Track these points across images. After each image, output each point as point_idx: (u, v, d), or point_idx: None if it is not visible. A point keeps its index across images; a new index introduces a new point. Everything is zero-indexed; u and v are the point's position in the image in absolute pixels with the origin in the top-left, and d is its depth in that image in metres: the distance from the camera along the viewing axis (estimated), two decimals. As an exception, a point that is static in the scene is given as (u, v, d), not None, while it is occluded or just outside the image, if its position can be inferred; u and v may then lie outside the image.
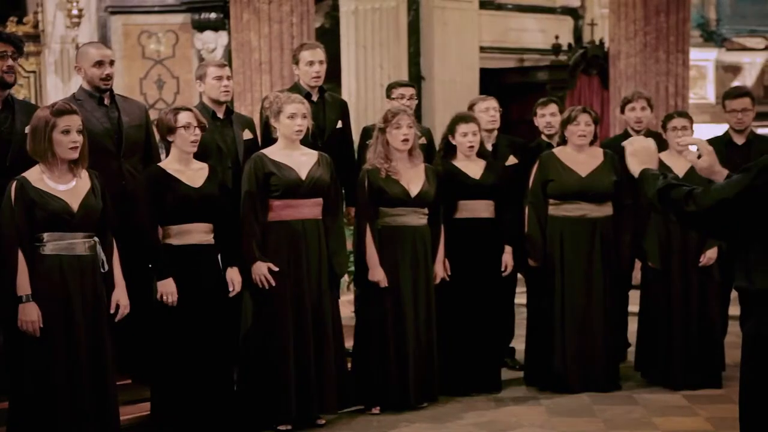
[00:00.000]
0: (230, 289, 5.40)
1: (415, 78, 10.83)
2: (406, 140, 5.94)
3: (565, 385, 6.32)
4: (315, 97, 6.32)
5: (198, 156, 5.43)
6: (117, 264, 4.90)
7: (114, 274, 4.87)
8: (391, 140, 5.95)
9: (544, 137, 7.01)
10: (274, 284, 5.48)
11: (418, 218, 6.02)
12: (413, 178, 6.00)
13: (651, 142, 3.47)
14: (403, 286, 5.93)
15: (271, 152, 5.64)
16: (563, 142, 6.48)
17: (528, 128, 7.63)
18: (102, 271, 4.78)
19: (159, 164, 5.42)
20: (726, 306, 6.60)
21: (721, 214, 2.95)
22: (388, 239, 5.95)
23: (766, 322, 2.92)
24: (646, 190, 3.22)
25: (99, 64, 5.58)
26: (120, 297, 4.86)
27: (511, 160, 6.81)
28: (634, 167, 3.36)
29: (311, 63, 6.29)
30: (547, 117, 6.96)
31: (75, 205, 4.67)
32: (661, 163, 6.44)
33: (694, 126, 6.67)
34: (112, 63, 5.66)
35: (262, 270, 5.48)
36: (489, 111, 6.78)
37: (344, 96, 10.11)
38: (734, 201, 2.89)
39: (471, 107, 6.83)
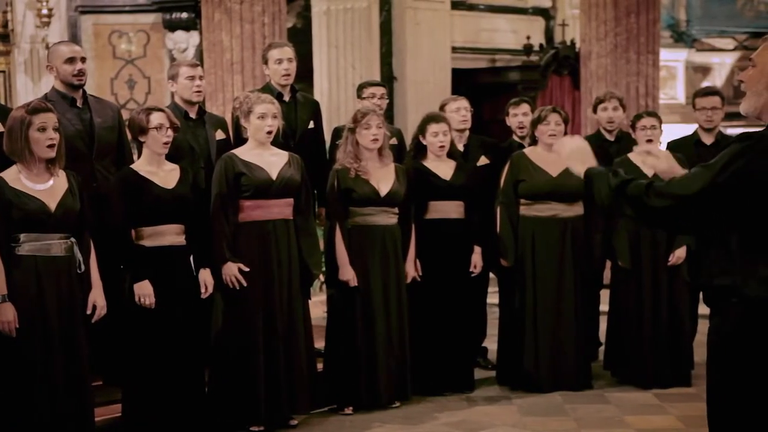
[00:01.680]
0: (202, 290, 5.39)
1: (387, 78, 10.84)
2: (375, 140, 5.95)
3: (536, 384, 6.35)
4: (287, 97, 6.31)
5: (170, 156, 5.41)
6: (94, 265, 4.89)
7: (91, 275, 4.85)
8: (361, 140, 5.96)
9: (516, 137, 7.04)
10: (245, 284, 5.48)
11: (388, 217, 6.02)
12: (383, 178, 6.00)
13: (580, 141, 3.37)
14: (373, 285, 5.94)
15: (242, 152, 5.63)
16: (534, 142, 6.51)
17: (500, 128, 7.66)
18: (79, 271, 4.76)
19: (131, 166, 5.39)
20: (695, 305, 6.66)
21: (682, 210, 2.93)
22: (358, 239, 5.96)
23: (727, 321, 2.94)
24: (597, 189, 3.14)
25: (71, 60, 5.56)
26: (97, 298, 4.85)
27: (483, 160, 6.83)
28: (576, 168, 3.27)
29: (280, 61, 6.28)
30: (519, 117, 6.98)
31: (52, 205, 4.65)
32: (629, 162, 6.50)
33: (664, 126, 6.73)
34: (83, 60, 5.64)
35: (232, 270, 5.47)
36: (460, 111, 6.80)
37: (316, 96, 10.09)
38: (696, 197, 2.88)
39: (442, 107, 6.85)
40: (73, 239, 4.74)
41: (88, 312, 4.82)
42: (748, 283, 2.85)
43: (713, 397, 3.00)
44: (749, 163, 2.82)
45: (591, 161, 3.26)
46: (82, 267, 4.78)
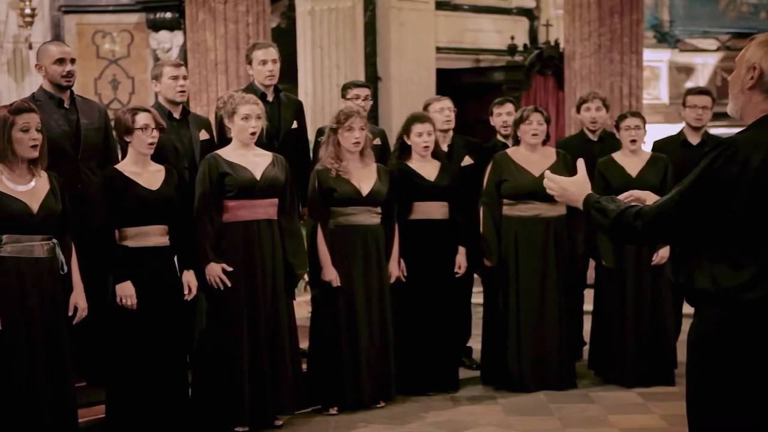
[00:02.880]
0: (186, 292, 5.37)
1: (372, 78, 10.84)
2: (357, 143, 5.94)
3: (520, 384, 6.37)
4: (270, 97, 6.31)
5: (155, 157, 5.39)
6: (75, 266, 4.87)
7: (72, 277, 4.83)
8: (343, 142, 5.95)
9: (500, 137, 7.05)
10: (229, 285, 5.47)
11: (370, 217, 6.02)
12: (364, 177, 6.00)
13: (566, 182, 3.30)
14: (355, 285, 5.93)
15: (226, 153, 5.62)
16: (516, 142, 6.53)
17: (484, 128, 7.68)
18: (61, 273, 4.75)
19: (115, 166, 5.38)
20: (679, 304, 6.67)
21: (664, 226, 2.97)
22: (341, 239, 5.95)
23: (707, 321, 2.96)
24: (597, 223, 3.15)
25: (60, 61, 5.55)
26: (78, 299, 4.83)
27: (467, 160, 6.84)
28: (574, 200, 3.25)
29: (264, 62, 6.27)
30: (503, 116, 6.99)
31: (35, 207, 4.63)
32: (614, 162, 6.53)
33: (648, 126, 6.75)
34: (73, 61, 5.63)
35: (216, 271, 5.46)
36: (444, 111, 6.80)
37: (301, 96, 10.08)
38: (675, 212, 2.93)
39: (426, 107, 6.85)
40: (55, 240, 4.73)
41: (70, 313, 4.80)
42: (727, 285, 2.88)
43: (693, 397, 3.02)
44: (719, 170, 2.86)
45: (585, 187, 3.24)
46: (65, 268, 4.77)
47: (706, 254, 2.93)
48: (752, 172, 2.83)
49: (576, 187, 3.25)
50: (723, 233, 2.89)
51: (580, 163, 3.35)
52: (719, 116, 7.21)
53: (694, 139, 6.89)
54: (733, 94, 3.02)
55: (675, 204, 2.94)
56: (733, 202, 2.85)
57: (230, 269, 5.47)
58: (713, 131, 7.87)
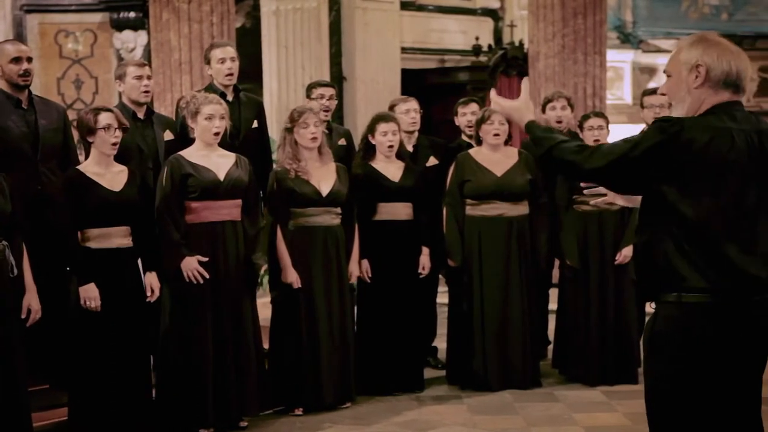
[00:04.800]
0: (148, 294, 5.34)
1: (337, 78, 10.83)
2: (314, 138, 5.93)
3: (485, 383, 6.39)
4: (230, 97, 6.28)
5: (118, 157, 5.36)
6: (27, 268, 4.80)
7: (24, 279, 4.76)
8: (299, 139, 5.94)
9: (464, 137, 7.07)
10: (207, 276, 5.42)
11: (331, 218, 6.01)
12: (324, 178, 5.99)
13: (522, 101, 3.44)
14: (315, 286, 5.92)
15: (188, 154, 5.59)
16: (479, 142, 6.55)
17: (449, 128, 7.69)
18: (11, 275, 4.66)
19: (78, 167, 5.33)
20: (642, 303, 6.72)
21: (602, 176, 3.06)
22: (301, 240, 5.93)
23: (660, 318, 3.00)
24: (537, 145, 3.24)
25: (16, 60, 5.50)
26: (31, 301, 4.77)
27: (432, 160, 6.86)
28: (518, 120, 3.38)
29: (223, 60, 6.24)
30: (468, 116, 7.01)
31: None
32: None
33: (612, 126, 6.80)
34: (30, 60, 5.57)
35: (193, 264, 5.41)
36: (410, 113, 6.81)
37: (266, 96, 10.08)
38: (610, 167, 2.99)
39: (392, 108, 6.86)
40: (5, 242, 4.65)
41: (23, 316, 4.74)
42: (678, 279, 2.92)
43: (650, 393, 3.06)
44: (659, 142, 2.91)
45: (529, 111, 3.37)
46: (15, 271, 4.68)
47: (658, 249, 2.97)
48: (689, 154, 2.88)
49: (518, 110, 3.38)
50: (668, 224, 2.94)
51: (524, 83, 3.51)
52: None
53: (656, 139, 6.94)
54: (679, 98, 3.07)
55: (612, 161, 2.99)
56: (664, 183, 2.91)
57: (205, 259, 5.43)
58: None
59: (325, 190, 5.96)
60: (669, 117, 2.99)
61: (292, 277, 5.87)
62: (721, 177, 2.91)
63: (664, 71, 3.14)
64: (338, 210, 6.04)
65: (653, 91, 7.17)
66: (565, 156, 3.09)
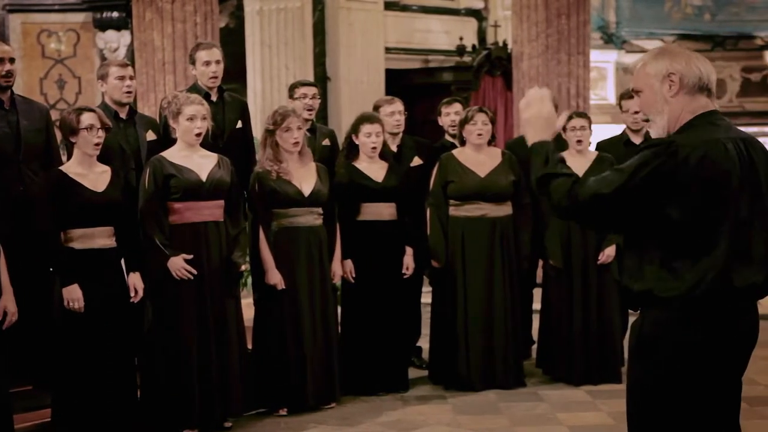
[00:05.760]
0: (132, 294, 5.32)
1: (321, 78, 10.82)
2: (296, 143, 5.93)
3: (469, 383, 6.40)
4: (214, 97, 6.26)
5: (101, 157, 5.35)
6: (4, 270, 4.78)
7: (1, 281, 4.74)
8: (282, 143, 5.93)
9: (448, 137, 7.07)
10: (195, 273, 5.40)
11: (313, 218, 6.00)
12: (305, 178, 5.98)
13: (546, 105, 3.28)
14: (299, 286, 5.91)
15: (170, 155, 5.57)
16: (462, 142, 6.56)
17: (433, 129, 7.69)
18: None
19: (60, 168, 5.31)
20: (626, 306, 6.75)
21: (597, 209, 2.99)
22: (283, 240, 5.92)
23: (646, 322, 3.01)
24: (533, 169, 3.18)
25: (-2, 60, 5.48)
26: (7, 304, 4.75)
27: (416, 161, 6.86)
28: (528, 135, 3.26)
29: (208, 63, 6.22)
30: (452, 116, 7.01)
31: None
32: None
33: (595, 126, 6.82)
34: (12, 60, 5.55)
35: (179, 263, 5.39)
36: (395, 115, 6.81)
37: (249, 96, 10.05)
38: (609, 198, 2.94)
39: (376, 108, 6.86)
40: None
41: None
42: (668, 284, 2.92)
43: (632, 395, 3.07)
44: (658, 167, 2.89)
45: (547, 131, 3.23)
46: None
47: (643, 255, 2.97)
48: (690, 171, 2.87)
49: (540, 122, 3.22)
50: (659, 236, 2.93)
51: (545, 93, 3.31)
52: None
53: (636, 140, 6.99)
54: (656, 111, 3.05)
55: (611, 192, 2.93)
56: (669, 205, 2.89)
57: (190, 257, 5.41)
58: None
59: (306, 190, 5.95)
60: (660, 140, 2.97)
61: (276, 278, 5.86)
62: (719, 188, 2.90)
63: (633, 90, 3.13)
64: (320, 210, 6.03)
65: (629, 95, 7.19)
66: (555, 196, 3.05)
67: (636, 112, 6.97)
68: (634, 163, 2.93)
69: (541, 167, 3.12)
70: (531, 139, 3.23)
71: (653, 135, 3.09)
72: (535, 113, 3.26)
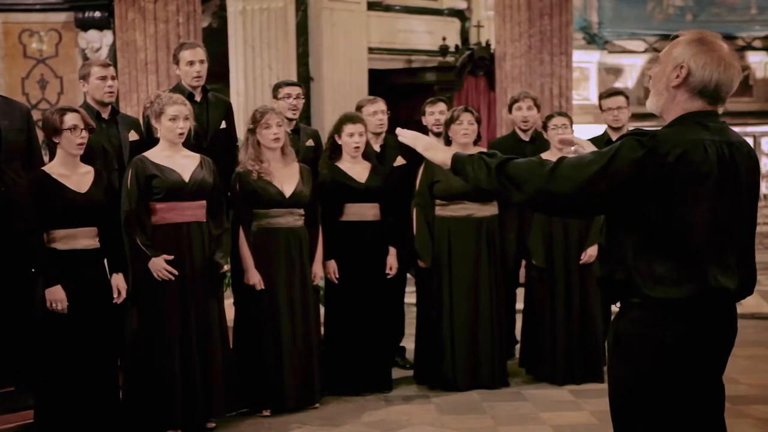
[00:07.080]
0: (115, 295, 5.31)
1: (304, 78, 10.82)
2: (277, 139, 5.91)
3: (453, 383, 6.40)
4: (198, 98, 6.25)
5: (83, 158, 5.32)
6: None
7: None
8: (262, 140, 5.92)
9: (432, 136, 7.07)
10: (176, 273, 5.39)
11: (294, 219, 5.99)
12: (287, 179, 5.97)
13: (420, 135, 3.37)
14: (278, 287, 5.89)
15: (153, 155, 5.55)
16: (448, 142, 6.56)
17: (416, 129, 7.62)
18: None
19: (43, 168, 5.29)
20: (608, 303, 6.76)
21: (578, 197, 2.94)
22: (264, 241, 5.90)
23: (624, 319, 3.01)
24: (470, 172, 3.11)
25: (-22, 62, 5.45)
26: None
27: (399, 160, 6.86)
28: (438, 156, 3.27)
29: (191, 63, 6.21)
30: (436, 115, 7.02)
31: None
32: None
33: (578, 126, 6.86)
34: (-8, 61, 5.52)
35: (160, 264, 5.37)
36: (377, 115, 6.82)
37: (233, 96, 10.04)
38: (587, 183, 2.89)
39: (359, 108, 6.86)
40: None
41: None
42: (645, 282, 2.92)
43: (613, 393, 3.08)
44: (642, 158, 2.85)
45: (447, 150, 3.29)
46: None
47: (623, 251, 2.96)
48: (667, 168, 2.84)
49: (435, 143, 3.32)
50: (637, 231, 2.93)
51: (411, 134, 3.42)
52: (645, 116, 7.33)
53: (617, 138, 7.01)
54: (657, 90, 3.02)
55: (589, 176, 2.90)
56: (646, 204, 2.88)
57: (171, 257, 5.39)
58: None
59: (288, 191, 5.94)
60: (642, 130, 2.93)
61: (255, 278, 5.85)
62: (696, 189, 2.87)
63: (659, 57, 3.09)
64: (301, 211, 6.02)
65: (610, 94, 7.30)
66: (520, 176, 2.98)
67: (617, 108, 7.02)
68: (614, 147, 2.91)
69: (486, 161, 3.07)
70: (444, 157, 3.25)
71: (648, 106, 3.08)
72: (427, 140, 3.41)
